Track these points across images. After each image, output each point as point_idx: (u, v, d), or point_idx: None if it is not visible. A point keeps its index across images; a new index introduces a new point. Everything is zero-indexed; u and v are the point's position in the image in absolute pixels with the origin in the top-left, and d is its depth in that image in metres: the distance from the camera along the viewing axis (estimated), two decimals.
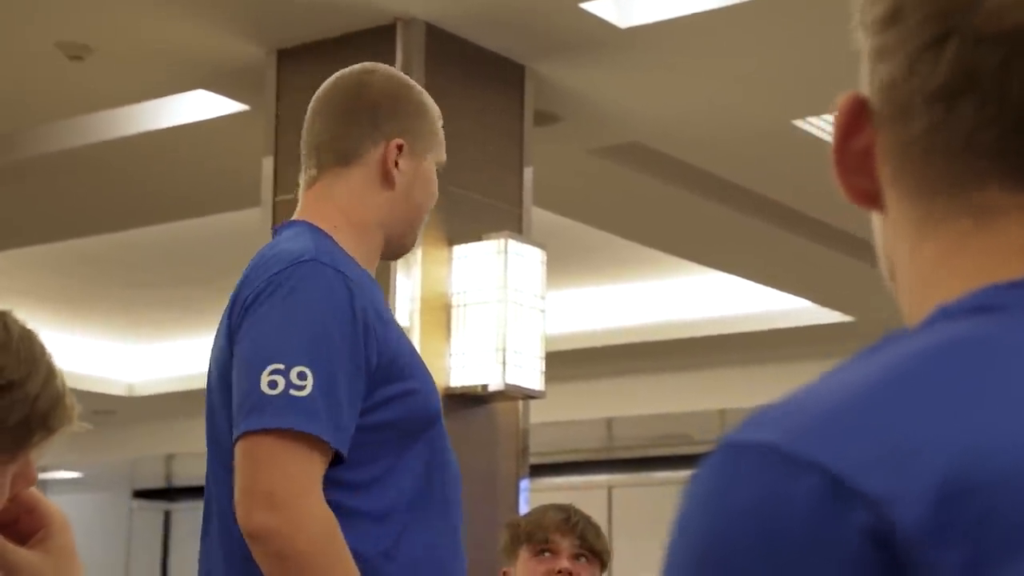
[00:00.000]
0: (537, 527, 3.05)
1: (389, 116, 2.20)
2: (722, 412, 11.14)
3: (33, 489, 1.24)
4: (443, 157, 2.28)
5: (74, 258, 8.34)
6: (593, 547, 3.05)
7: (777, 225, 6.92)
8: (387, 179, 2.17)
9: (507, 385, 4.66)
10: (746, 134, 5.80)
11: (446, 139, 2.30)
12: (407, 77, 2.31)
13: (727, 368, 10.06)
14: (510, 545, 3.10)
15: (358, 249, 2.14)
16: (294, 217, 2.20)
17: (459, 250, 4.78)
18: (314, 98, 2.26)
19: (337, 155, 2.19)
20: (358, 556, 1.93)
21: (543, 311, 4.84)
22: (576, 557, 3.04)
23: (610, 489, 12.85)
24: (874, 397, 0.62)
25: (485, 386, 4.66)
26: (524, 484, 4.87)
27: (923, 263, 0.72)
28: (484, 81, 5.01)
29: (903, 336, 0.67)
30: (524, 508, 4.76)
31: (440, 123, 2.28)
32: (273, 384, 1.91)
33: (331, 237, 2.12)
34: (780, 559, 0.58)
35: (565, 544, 3.04)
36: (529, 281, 4.81)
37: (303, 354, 1.93)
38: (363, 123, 2.19)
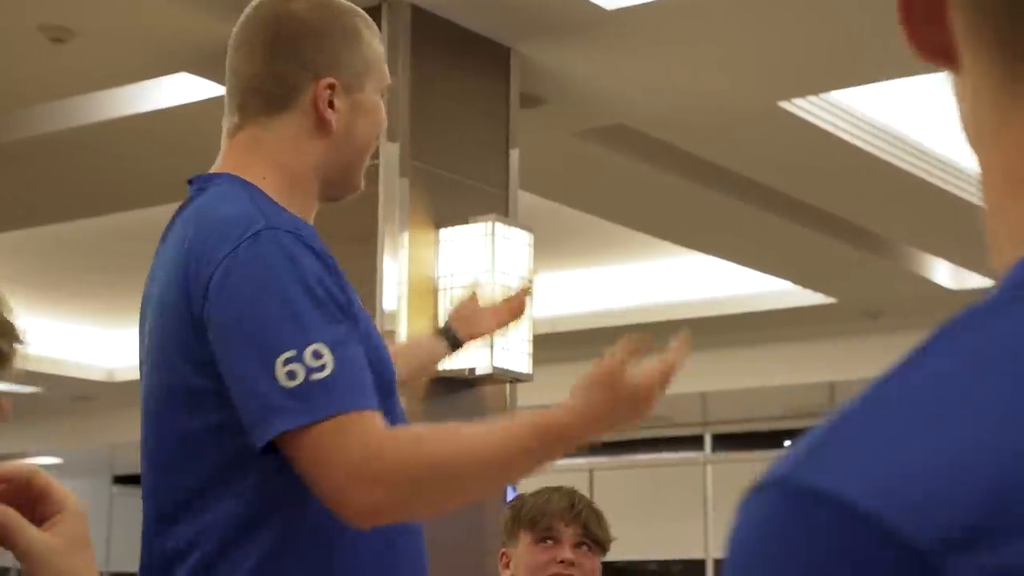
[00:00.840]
0: (540, 514, 3.00)
1: (316, 49, 1.96)
2: (703, 395, 11.15)
3: (46, 475, 1.23)
4: (387, 79, 2.04)
5: (54, 243, 8.30)
6: (596, 536, 3.02)
7: (761, 207, 6.92)
8: (322, 125, 1.95)
9: (495, 368, 4.64)
10: (732, 116, 5.80)
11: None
12: None
13: (709, 350, 10.06)
14: (511, 526, 3.06)
15: (291, 201, 1.93)
16: (215, 168, 1.99)
17: (445, 233, 4.76)
18: (234, 30, 2.02)
19: (263, 101, 1.97)
20: (319, 527, 1.81)
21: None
22: (578, 545, 3.02)
23: (591, 472, 12.87)
24: (962, 442, 0.52)
25: (472, 370, 4.65)
26: None
27: (1010, 148, 0.60)
28: (470, 63, 4.99)
29: (976, 324, 0.56)
30: (512, 493, 4.75)
31: (376, 40, 2.03)
32: (292, 375, 1.73)
33: (260, 191, 1.91)
34: None
35: (568, 533, 3.00)
36: (516, 264, 4.80)
37: (308, 330, 1.75)
38: (286, 60, 1.95)
